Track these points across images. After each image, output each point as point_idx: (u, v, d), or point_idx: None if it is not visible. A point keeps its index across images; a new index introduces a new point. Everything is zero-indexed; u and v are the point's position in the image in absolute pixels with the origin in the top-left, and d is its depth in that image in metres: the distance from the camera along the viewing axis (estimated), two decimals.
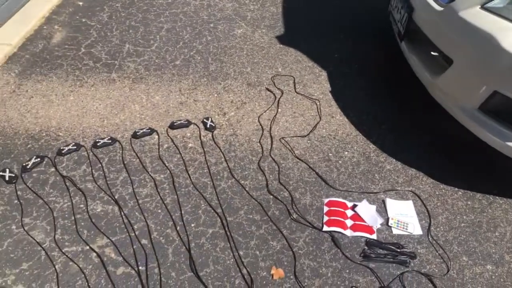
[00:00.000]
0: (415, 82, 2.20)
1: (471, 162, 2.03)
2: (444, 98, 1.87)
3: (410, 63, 2.13)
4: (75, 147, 2.02)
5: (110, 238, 1.66)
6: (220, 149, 2.07)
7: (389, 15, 2.51)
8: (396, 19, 2.27)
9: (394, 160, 2.06)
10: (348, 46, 2.81)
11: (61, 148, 2.01)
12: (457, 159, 2.05)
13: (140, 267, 1.58)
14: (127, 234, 1.68)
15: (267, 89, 2.45)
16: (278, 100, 2.37)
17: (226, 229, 1.72)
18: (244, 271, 1.59)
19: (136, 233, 1.69)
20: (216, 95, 2.40)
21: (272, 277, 1.57)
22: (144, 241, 1.66)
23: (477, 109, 1.73)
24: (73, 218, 1.73)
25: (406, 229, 1.74)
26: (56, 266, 1.57)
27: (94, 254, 1.61)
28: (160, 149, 2.06)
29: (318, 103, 2.36)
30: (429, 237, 1.73)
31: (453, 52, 1.73)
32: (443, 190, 1.92)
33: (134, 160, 2.00)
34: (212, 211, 1.79)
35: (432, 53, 2.03)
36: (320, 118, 2.27)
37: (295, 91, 2.44)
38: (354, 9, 3.29)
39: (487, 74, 1.61)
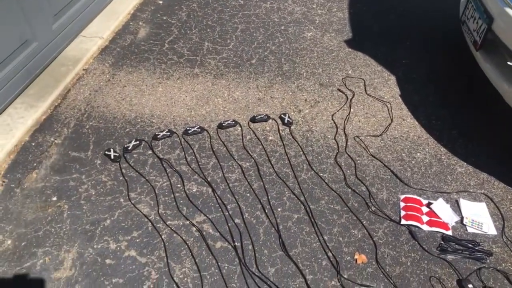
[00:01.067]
0: (487, 91, 2.28)
1: None
2: None
3: (485, 72, 2.22)
4: (168, 133, 2.22)
5: (207, 215, 1.85)
6: (298, 143, 2.23)
7: (461, 24, 2.59)
8: (472, 28, 2.35)
9: (465, 163, 2.15)
10: (415, 52, 2.91)
11: (156, 133, 2.22)
12: None
13: (236, 243, 1.76)
14: (222, 213, 1.87)
15: (339, 89, 2.59)
16: (350, 101, 2.51)
17: (310, 215, 1.87)
18: (330, 254, 1.73)
19: (230, 212, 1.87)
20: (290, 93, 2.56)
21: (356, 261, 1.71)
22: (237, 220, 1.84)
23: None
24: (172, 196, 1.94)
25: (481, 228, 1.84)
26: (163, 236, 1.77)
27: (194, 228, 1.80)
28: (244, 139, 2.24)
29: (389, 106, 2.48)
30: (504, 237, 1.82)
31: None
32: None
33: (221, 148, 2.18)
34: (296, 198, 1.95)
35: (510, 63, 2.10)
36: (392, 120, 2.39)
37: (366, 93, 2.57)
38: (419, 15, 3.38)
39: None
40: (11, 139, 2.14)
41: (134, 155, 2.12)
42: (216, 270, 1.66)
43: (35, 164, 2.05)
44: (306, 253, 1.74)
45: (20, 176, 1.99)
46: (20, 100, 2.37)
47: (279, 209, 1.90)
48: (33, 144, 2.16)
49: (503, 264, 1.72)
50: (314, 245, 1.77)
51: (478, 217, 1.89)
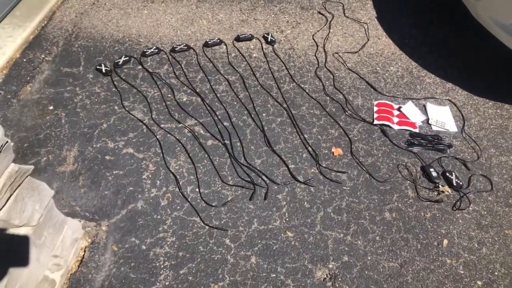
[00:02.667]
0: (458, 4, 2.44)
1: (503, 78, 2.31)
2: (485, 17, 2.12)
3: None
4: (156, 50, 2.32)
5: (198, 119, 2.00)
6: (280, 59, 2.36)
7: None
8: None
9: (433, 75, 2.34)
10: None
11: (145, 50, 2.31)
12: (490, 76, 2.33)
13: (225, 141, 1.93)
14: (211, 117, 2.02)
15: (319, 12, 2.70)
16: (330, 22, 2.63)
17: (292, 118, 2.05)
18: (309, 148, 1.93)
19: (219, 117, 2.02)
20: (273, 15, 2.66)
21: (333, 154, 1.92)
22: (225, 123, 2.00)
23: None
24: (164, 104, 2.07)
25: (444, 126, 2.06)
26: (158, 137, 1.92)
27: (187, 130, 1.96)
28: (229, 56, 2.35)
29: (366, 26, 2.62)
30: (463, 133, 2.05)
31: None
32: (476, 100, 2.22)
33: (208, 64, 2.30)
34: (279, 105, 2.11)
35: None
36: (368, 39, 2.54)
37: (345, 15, 2.69)
38: None
39: None
40: (2, 56, 2.19)
41: (125, 70, 2.22)
42: (209, 162, 1.84)
43: (28, 78, 2.13)
44: (289, 148, 1.93)
45: (15, 88, 2.08)
46: (7, 21, 2.39)
47: (263, 114, 2.06)
48: (24, 60, 2.22)
49: (461, 154, 1.96)
50: (296, 142, 1.96)
51: (442, 118, 2.10)
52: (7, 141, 1.03)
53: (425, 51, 2.48)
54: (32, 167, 1.18)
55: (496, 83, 2.30)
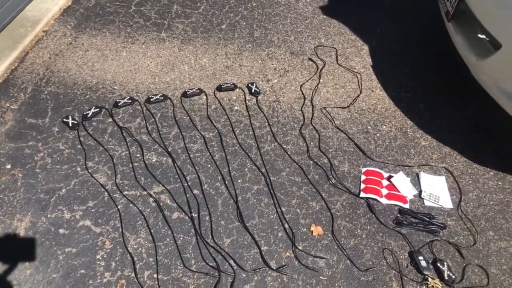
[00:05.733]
0: (458, 63, 2.24)
1: (507, 146, 2.10)
2: (488, 81, 1.92)
3: (455, 43, 2.17)
4: (130, 101, 2.15)
5: (166, 186, 1.83)
6: (264, 114, 2.18)
7: None
8: None
9: (429, 137, 2.15)
10: (392, 21, 2.83)
11: (117, 100, 2.15)
12: (493, 142, 2.13)
13: (193, 214, 1.75)
14: (181, 184, 1.84)
15: (310, 59, 2.52)
16: (320, 71, 2.45)
17: (270, 187, 1.86)
18: (286, 225, 1.74)
19: (189, 183, 1.85)
20: (260, 61, 2.49)
21: (312, 233, 1.73)
22: (196, 191, 1.82)
23: None
24: (131, 165, 1.90)
25: (438, 201, 1.86)
26: (119, 207, 1.75)
27: (151, 199, 1.78)
28: (208, 109, 2.18)
29: (359, 77, 2.43)
30: (459, 211, 1.85)
31: (502, 36, 1.77)
32: (476, 169, 2.02)
33: (184, 117, 2.13)
34: (257, 170, 1.93)
35: (479, 35, 2.06)
36: (361, 91, 2.35)
37: (337, 63, 2.51)
38: None
39: None
40: None
41: (94, 123, 2.06)
42: (171, 241, 1.66)
43: None
44: (263, 224, 1.74)
45: None
46: None
47: (239, 181, 1.88)
48: None
49: (456, 237, 1.76)
50: (272, 216, 1.77)
51: (436, 191, 1.90)
52: None
53: (423, 108, 2.29)
54: None
55: (499, 149, 2.10)
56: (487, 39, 1.95)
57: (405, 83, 2.41)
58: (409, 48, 2.63)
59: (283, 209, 1.80)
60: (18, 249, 1.60)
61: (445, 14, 2.28)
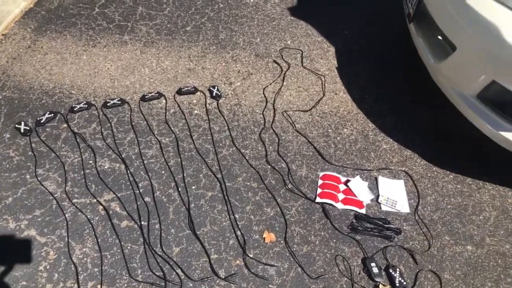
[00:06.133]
0: (421, 66, 2.22)
1: (466, 148, 2.09)
2: (445, 83, 1.90)
3: (416, 45, 2.15)
4: (86, 106, 2.11)
5: (116, 193, 1.78)
6: (224, 118, 2.15)
7: None
8: None
9: (391, 140, 2.12)
10: (359, 23, 2.81)
11: (73, 106, 2.10)
12: (453, 145, 2.11)
13: (142, 222, 1.71)
14: (132, 191, 1.80)
15: (275, 61, 2.49)
16: (284, 73, 2.42)
17: (225, 193, 1.83)
18: (238, 233, 1.71)
19: (141, 190, 1.81)
20: (224, 64, 2.45)
21: (264, 240, 1.69)
22: (147, 199, 1.78)
23: (475, 97, 1.77)
24: (82, 172, 1.85)
25: (395, 206, 1.84)
26: (66, 215, 1.70)
27: (101, 207, 1.74)
28: (167, 113, 2.14)
29: (323, 79, 2.40)
30: (416, 215, 1.83)
31: (457, 39, 1.75)
32: (435, 173, 2.00)
33: (141, 122, 2.09)
34: (213, 175, 1.89)
35: (439, 37, 2.04)
36: (324, 94, 2.32)
37: (302, 66, 2.48)
38: None
39: (487, 63, 1.64)
40: None
41: (47, 129, 2.01)
42: (118, 250, 1.62)
43: None
44: (215, 232, 1.71)
45: None
46: None
47: (193, 187, 1.85)
48: None
49: (411, 242, 1.73)
50: (224, 223, 1.73)
51: (394, 195, 1.88)
52: None
53: (386, 110, 2.27)
54: None
55: (460, 152, 2.08)
56: (445, 41, 1.93)
57: (370, 85, 2.39)
58: (376, 50, 2.61)
59: (236, 216, 1.76)
60: None
61: (407, 15, 2.26)
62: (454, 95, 1.86)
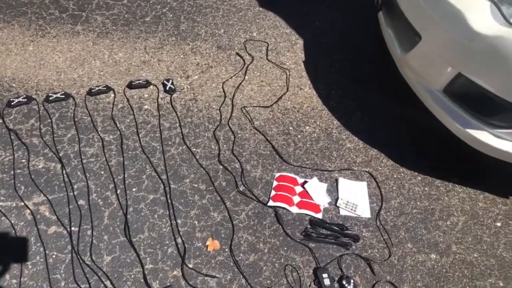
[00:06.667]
0: (390, 59, 2.07)
1: (437, 148, 1.94)
2: (412, 77, 1.75)
3: (384, 36, 2.00)
4: (25, 100, 1.94)
5: (47, 196, 1.62)
6: (176, 113, 1.99)
7: None
8: None
9: (356, 138, 1.97)
10: (332, 14, 2.64)
11: (11, 99, 1.93)
12: (424, 144, 1.96)
13: (73, 228, 1.54)
14: (65, 193, 1.64)
15: (237, 53, 2.33)
16: (247, 67, 2.26)
17: (168, 196, 1.67)
18: (179, 240, 1.55)
19: (75, 192, 1.64)
20: (182, 56, 2.28)
21: (207, 248, 1.53)
22: (81, 202, 1.62)
23: (441, 91, 1.62)
24: (12, 172, 1.68)
25: (355, 211, 1.68)
26: None
27: (28, 211, 1.57)
28: (114, 108, 1.98)
29: (288, 73, 2.24)
30: (377, 221, 1.67)
31: (422, 27, 1.60)
32: (402, 174, 1.85)
33: (85, 118, 1.92)
34: (157, 176, 1.73)
35: (406, 26, 1.89)
36: (288, 89, 2.16)
37: (267, 59, 2.32)
38: None
39: (452, 54, 1.49)
40: None
41: None
42: (42, 259, 1.45)
43: None
44: (153, 239, 1.54)
45: None
46: None
47: (134, 189, 1.68)
48: None
49: (370, 251, 1.58)
50: (164, 230, 1.57)
51: (355, 198, 1.73)
52: None
53: (353, 107, 2.11)
54: None
55: (430, 152, 1.93)
56: (411, 30, 1.78)
57: (338, 80, 2.23)
58: (347, 43, 2.46)
59: (178, 221, 1.60)
60: None
61: (375, 4, 2.11)
62: (420, 90, 1.71)
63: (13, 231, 1.51)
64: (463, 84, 1.50)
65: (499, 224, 1.72)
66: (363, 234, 1.63)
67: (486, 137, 1.52)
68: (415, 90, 1.76)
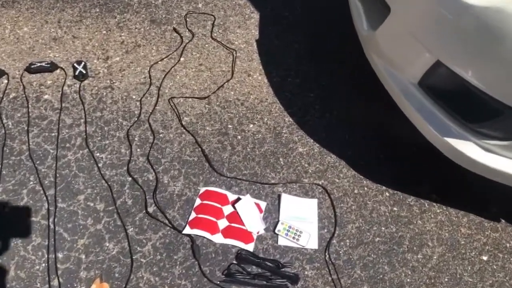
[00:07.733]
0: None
1: (412, 156, 1.53)
2: (378, 62, 1.31)
3: (351, 10, 1.55)
4: None
5: None
6: (83, 106, 1.56)
7: None
8: None
9: (311, 140, 1.56)
10: None
11: None
12: (395, 151, 1.55)
13: None
14: None
15: (174, 29, 1.88)
16: (184, 46, 1.81)
17: (51, 219, 1.26)
18: (55, 282, 1.15)
19: None
20: (104, 32, 1.83)
21: None
22: None
23: (416, 84, 1.19)
24: None
25: (298, 240, 1.28)
26: None
27: None
28: (5, 99, 1.55)
29: (235, 54, 1.80)
30: (326, 254, 1.28)
31: None
32: (365, 188, 1.44)
33: None
34: (41, 191, 1.32)
35: None
36: (233, 75, 1.73)
37: (211, 36, 1.87)
38: None
39: (430, 34, 1.06)
40: None
41: None
42: None
43: None
44: (19, 280, 1.15)
45: None
46: None
47: (6, 209, 1.27)
48: None
49: None
50: (37, 267, 1.17)
51: (300, 222, 1.32)
52: None
53: (312, 99, 1.69)
54: None
55: (403, 160, 1.52)
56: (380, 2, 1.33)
57: (297, 66, 1.80)
58: (313, 18, 2.00)
59: (59, 255, 1.20)
60: None
61: None
62: (388, 80, 1.28)
63: None
64: (443, 77, 1.08)
65: (485, 258, 1.33)
66: (306, 272, 1.24)
67: (471, 150, 1.11)
68: (382, 80, 1.33)
